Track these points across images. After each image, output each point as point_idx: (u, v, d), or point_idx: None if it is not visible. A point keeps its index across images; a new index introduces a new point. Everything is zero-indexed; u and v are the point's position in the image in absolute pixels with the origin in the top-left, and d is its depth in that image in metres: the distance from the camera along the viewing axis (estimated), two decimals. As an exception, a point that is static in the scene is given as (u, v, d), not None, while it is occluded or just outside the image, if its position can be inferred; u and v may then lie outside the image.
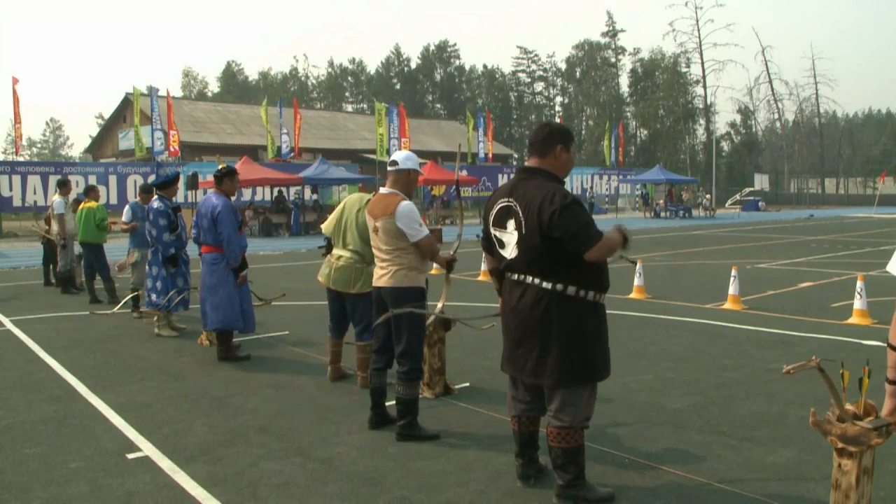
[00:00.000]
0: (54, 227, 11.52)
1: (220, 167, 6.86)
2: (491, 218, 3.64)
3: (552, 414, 3.48)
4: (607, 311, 3.59)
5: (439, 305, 4.99)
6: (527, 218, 3.40)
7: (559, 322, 3.38)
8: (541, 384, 3.51)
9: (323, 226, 5.69)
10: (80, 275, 11.14)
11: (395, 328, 4.43)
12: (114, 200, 25.60)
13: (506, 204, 3.54)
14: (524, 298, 3.47)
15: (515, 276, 3.54)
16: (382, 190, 4.59)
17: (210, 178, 24.57)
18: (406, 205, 4.39)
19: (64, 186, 11.58)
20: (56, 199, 11.39)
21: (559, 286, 3.37)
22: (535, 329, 3.43)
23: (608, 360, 3.54)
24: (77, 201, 11.00)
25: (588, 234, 3.28)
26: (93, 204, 10.28)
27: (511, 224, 3.49)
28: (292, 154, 32.73)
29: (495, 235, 3.62)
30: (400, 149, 29.38)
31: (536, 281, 3.42)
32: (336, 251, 5.49)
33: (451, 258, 4.71)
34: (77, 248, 11.01)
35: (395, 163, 4.54)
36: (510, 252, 3.52)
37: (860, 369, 2.88)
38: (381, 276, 4.46)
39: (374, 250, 4.57)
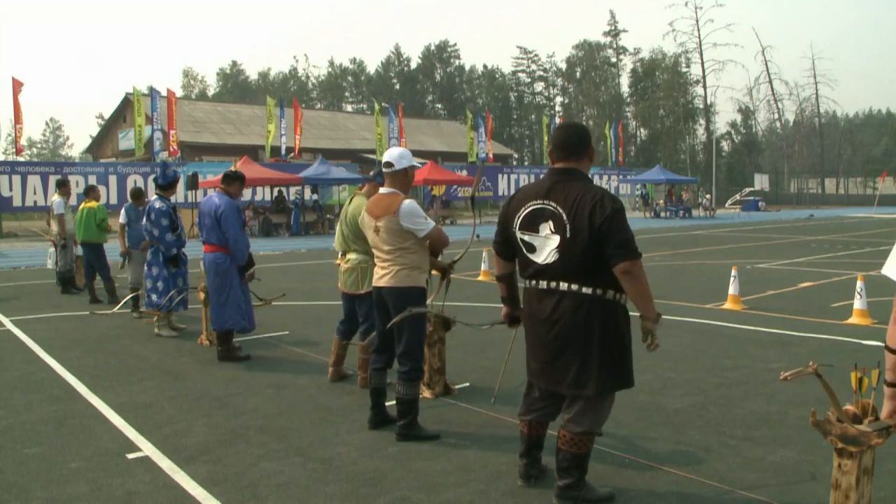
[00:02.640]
0: (54, 226, 11.53)
1: (233, 168, 6.87)
2: (517, 221, 3.42)
3: (570, 417, 3.40)
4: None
5: (428, 302, 4.98)
6: (573, 222, 3.22)
7: (601, 327, 3.27)
8: (581, 395, 3.36)
9: (334, 244, 5.81)
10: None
11: (397, 328, 4.42)
12: (114, 200, 25.62)
13: (539, 206, 3.34)
14: (561, 306, 3.30)
15: (546, 284, 3.35)
16: (382, 190, 4.59)
17: (210, 177, 24.81)
18: (408, 203, 4.38)
19: (63, 186, 11.59)
20: (55, 199, 11.39)
21: (599, 290, 3.26)
22: (577, 337, 3.29)
23: None
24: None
25: (629, 248, 3.18)
26: (93, 204, 10.28)
27: (547, 228, 3.30)
28: (292, 154, 32.75)
29: (523, 239, 3.41)
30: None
31: (574, 287, 3.27)
32: (347, 256, 5.60)
33: (448, 267, 4.68)
34: (77, 249, 11.01)
35: (389, 164, 4.52)
36: (545, 257, 3.32)
37: (861, 369, 2.88)
38: (382, 275, 4.45)
39: (374, 250, 4.56)
